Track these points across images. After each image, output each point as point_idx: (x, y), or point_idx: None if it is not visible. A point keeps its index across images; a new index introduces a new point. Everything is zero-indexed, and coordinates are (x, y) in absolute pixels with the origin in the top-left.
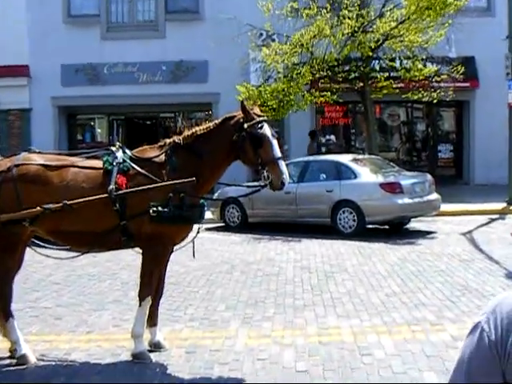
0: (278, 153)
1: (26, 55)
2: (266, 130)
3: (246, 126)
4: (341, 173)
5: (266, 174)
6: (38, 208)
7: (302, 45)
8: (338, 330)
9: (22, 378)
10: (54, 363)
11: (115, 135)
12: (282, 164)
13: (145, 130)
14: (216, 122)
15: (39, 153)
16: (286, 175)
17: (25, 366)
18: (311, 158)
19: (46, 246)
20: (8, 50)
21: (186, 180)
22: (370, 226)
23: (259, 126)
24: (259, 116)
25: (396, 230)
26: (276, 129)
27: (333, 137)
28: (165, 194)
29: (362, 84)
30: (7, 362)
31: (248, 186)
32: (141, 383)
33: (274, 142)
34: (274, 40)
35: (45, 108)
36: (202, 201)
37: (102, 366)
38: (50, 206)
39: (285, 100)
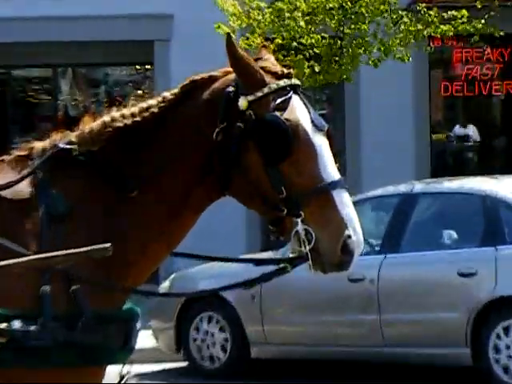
0: (332, 171)
1: None
2: (299, 111)
3: (245, 103)
4: (499, 226)
5: (301, 228)
6: None
7: None
8: None
9: None
10: None
11: None
12: (344, 200)
13: None
14: (170, 94)
15: None
16: (356, 233)
17: None
18: (419, 185)
19: None
20: None
21: (89, 248)
22: None
23: (281, 101)
24: (279, 76)
25: None
26: (323, 108)
27: (471, 129)
28: (31, 285)
29: None
30: None
31: (253, 261)
32: None
33: (322, 143)
34: None
35: None
36: (129, 304)
37: None
38: None
39: (347, 32)
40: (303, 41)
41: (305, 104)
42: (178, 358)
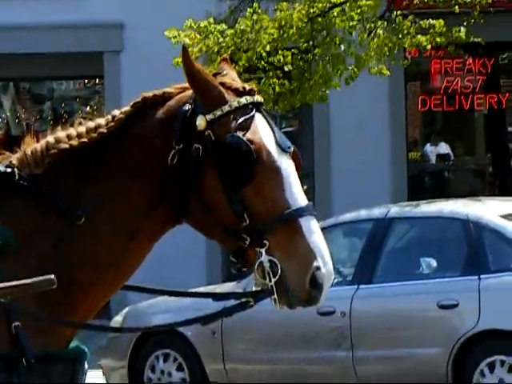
0: (298, 196)
1: None
2: (262, 131)
3: (202, 122)
4: (481, 253)
5: (265, 259)
6: None
7: None
8: None
9: None
10: None
11: None
12: (312, 227)
13: None
14: (120, 112)
15: None
16: (325, 263)
17: None
18: (394, 209)
19: None
20: None
21: (32, 280)
22: None
23: (243, 120)
24: (241, 93)
25: None
26: (291, 126)
27: (446, 148)
28: None
29: None
30: None
31: (212, 296)
32: None
33: (288, 166)
34: None
35: None
36: (76, 342)
37: None
38: None
39: (318, 49)
40: (271, 59)
41: (268, 123)
42: None
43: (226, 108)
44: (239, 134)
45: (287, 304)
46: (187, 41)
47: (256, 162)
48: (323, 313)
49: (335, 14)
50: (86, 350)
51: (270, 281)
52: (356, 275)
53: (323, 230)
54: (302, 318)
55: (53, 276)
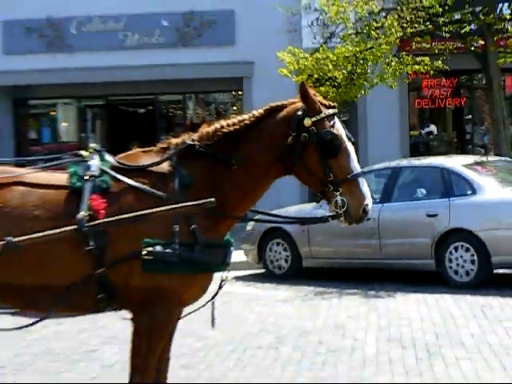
0: (358, 166)
1: None
2: (341, 129)
3: (309, 122)
4: (450, 186)
5: (339, 198)
6: None
7: None
8: None
9: None
10: None
11: (90, 131)
12: (364, 184)
13: (135, 123)
14: (257, 112)
15: None
16: (369, 201)
17: None
18: (403, 162)
19: None
20: None
21: (201, 202)
22: (500, 271)
23: (331, 123)
24: (328, 107)
25: None
26: (342, 117)
27: (433, 128)
28: (167, 224)
29: (482, 42)
30: None
31: (301, 221)
32: None
33: (352, 148)
34: None
35: None
36: (227, 236)
37: None
38: None
39: (358, 71)
40: (330, 74)
41: (341, 124)
42: (258, 267)
43: (322, 115)
44: (330, 129)
45: (348, 223)
46: (287, 59)
47: (338, 146)
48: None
49: (367, 52)
50: (233, 240)
51: (340, 210)
52: (382, 198)
53: (364, 173)
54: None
55: (213, 199)
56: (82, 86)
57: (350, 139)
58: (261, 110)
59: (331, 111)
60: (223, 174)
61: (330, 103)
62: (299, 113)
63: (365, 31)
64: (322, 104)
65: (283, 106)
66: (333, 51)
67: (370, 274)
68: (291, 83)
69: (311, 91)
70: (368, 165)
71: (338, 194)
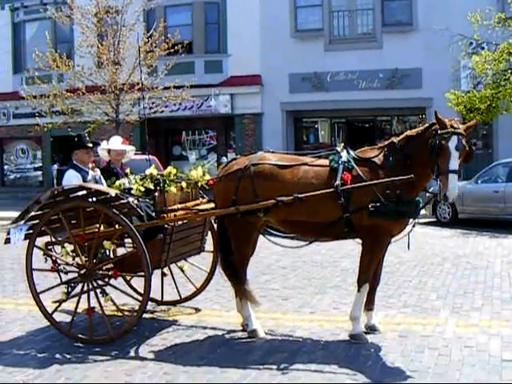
0: (452, 166)
1: (258, 66)
2: (452, 141)
3: (437, 133)
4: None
5: (440, 184)
6: (272, 200)
7: (510, 53)
8: None
9: (252, 349)
10: (279, 338)
11: (336, 137)
12: (454, 178)
13: (363, 132)
14: (423, 126)
15: (273, 152)
16: (452, 191)
17: (254, 339)
18: None
19: (277, 234)
20: (243, 63)
21: (404, 177)
22: None
23: (446, 136)
24: (455, 128)
25: None
26: (483, 131)
27: None
28: (383, 190)
29: None
30: (239, 334)
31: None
32: None
33: (455, 155)
34: (483, 48)
35: (274, 112)
36: (417, 198)
37: (323, 344)
38: (283, 198)
39: (493, 104)
40: (477, 106)
41: (460, 139)
42: (432, 217)
43: (443, 131)
44: (442, 141)
45: (444, 201)
46: (451, 96)
47: (442, 150)
48: (495, 191)
49: (500, 94)
50: (420, 200)
51: (440, 194)
52: (506, 179)
53: (495, 166)
54: (488, 193)
55: (412, 175)
56: (332, 111)
57: (458, 149)
58: (426, 125)
59: (449, 130)
60: (405, 166)
61: (458, 126)
62: (437, 127)
63: (498, 81)
64: (452, 126)
65: (430, 125)
66: (479, 92)
67: (498, 224)
68: (453, 111)
69: (443, 117)
70: (500, 160)
71: (438, 180)
